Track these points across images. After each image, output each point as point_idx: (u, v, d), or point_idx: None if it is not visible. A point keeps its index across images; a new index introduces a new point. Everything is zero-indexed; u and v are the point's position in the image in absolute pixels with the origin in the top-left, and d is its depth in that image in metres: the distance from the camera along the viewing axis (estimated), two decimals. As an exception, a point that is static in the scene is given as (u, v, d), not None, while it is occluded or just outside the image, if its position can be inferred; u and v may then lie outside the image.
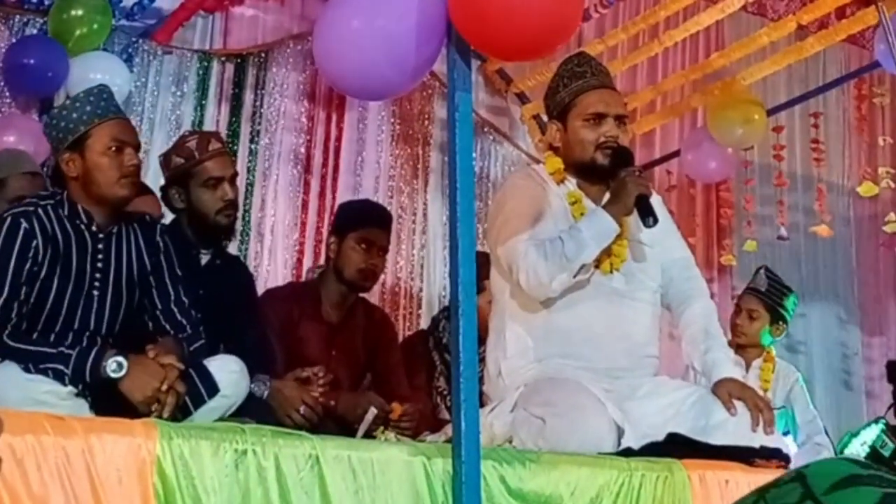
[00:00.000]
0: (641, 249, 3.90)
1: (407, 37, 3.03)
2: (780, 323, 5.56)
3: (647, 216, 3.66)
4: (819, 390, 7.96)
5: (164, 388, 3.32)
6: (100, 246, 3.63)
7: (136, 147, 3.73)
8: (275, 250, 6.66)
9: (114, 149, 3.61)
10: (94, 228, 3.62)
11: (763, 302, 5.51)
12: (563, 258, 3.59)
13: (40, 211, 3.55)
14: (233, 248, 5.46)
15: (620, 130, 3.86)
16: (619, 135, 3.84)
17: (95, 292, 3.59)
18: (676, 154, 7.37)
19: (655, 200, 3.83)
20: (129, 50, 6.36)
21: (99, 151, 3.59)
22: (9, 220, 3.49)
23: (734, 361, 4.04)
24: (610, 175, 3.80)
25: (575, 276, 3.64)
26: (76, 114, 3.62)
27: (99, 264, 3.61)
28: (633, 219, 3.79)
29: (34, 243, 3.47)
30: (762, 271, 5.65)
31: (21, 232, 3.46)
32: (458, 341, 2.82)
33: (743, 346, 5.48)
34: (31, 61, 5.75)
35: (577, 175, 3.91)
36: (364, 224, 4.85)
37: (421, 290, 6.99)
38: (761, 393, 4.47)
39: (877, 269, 8.47)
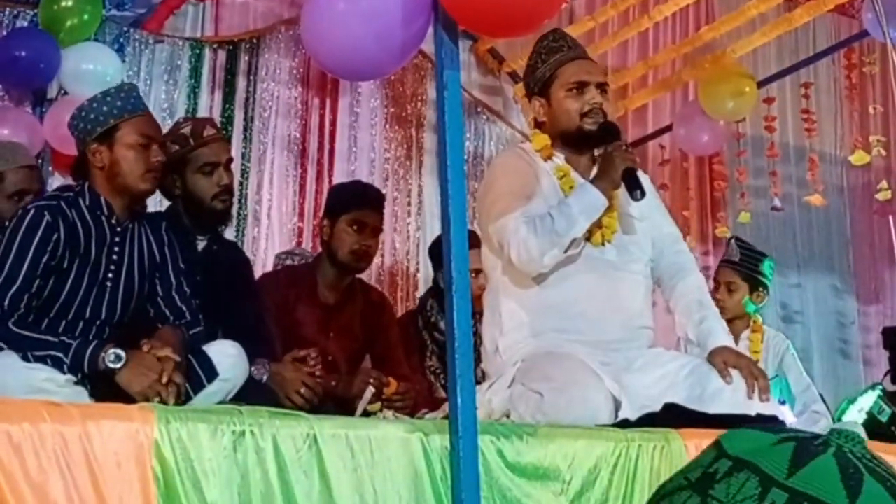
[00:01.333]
0: (632, 222, 3.92)
1: (393, 16, 3.04)
2: (760, 290, 5.54)
3: (635, 189, 3.68)
4: (816, 359, 8.01)
5: (164, 380, 3.35)
6: (117, 238, 3.70)
7: (161, 144, 3.84)
8: (272, 235, 6.68)
9: (141, 144, 3.71)
10: (113, 221, 3.70)
11: (739, 272, 5.49)
12: (553, 234, 3.61)
13: (63, 204, 3.62)
14: (230, 234, 5.50)
15: (603, 98, 3.89)
16: (602, 101, 3.88)
17: (108, 283, 3.66)
18: (669, 128, 7.39)
19: (643, 178, 3.85)
20: (121, 40, 6.37)
21: (127, 144, 3.70)
22: (32, 211, 3.54)
23: (728, 332, 4.05)
24: (598, 142, 3.84)
25: (566, 251, 3.66)
26: (107, 107, 3.72)
27: (114, 256, 3.68)
28: (623, 194, 3.81)
29: (55, 237, 3.53)
30: (733, 241, 5.64)
31: (44, 225, 3.51)
32: (452, 317, 2.84)
33: (728, 321, 5.44)
34: (23, 54, 5.75)
35: (564, 147, 3.93)
36: (355, 206, 4.86)
37: (418, 270, 7.02)
38: None
39: (871, 238, 8.48)
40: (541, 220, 3.64)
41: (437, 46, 3.03)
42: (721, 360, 3.67)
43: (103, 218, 3.68)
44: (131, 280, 3.72)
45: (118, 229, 3.71)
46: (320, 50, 3.26)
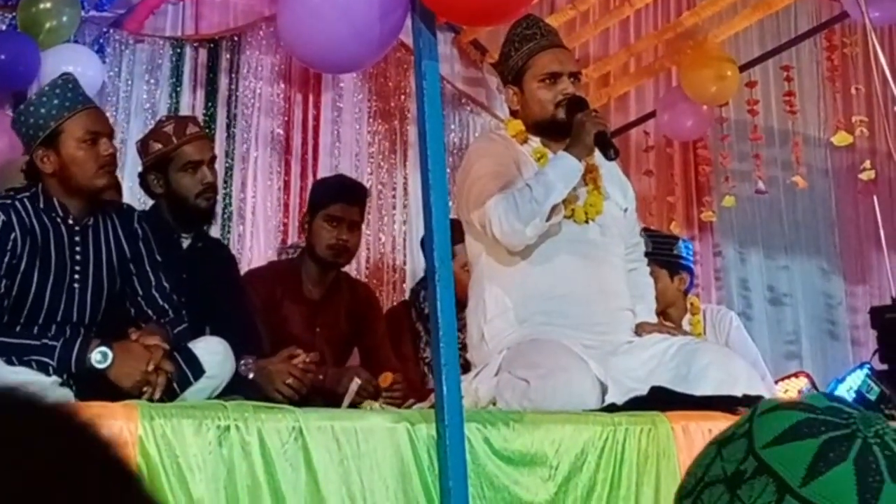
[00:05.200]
0: (617, 208, 3.98)
1: (370, 8, 3.04)
2: (681, 272, 5.50)
3: (608, 149, 3.75)
4: (805, 341, 8.00)
5: (151, 368, 3.34)
6: (77, 238, 3.63)
7: (110, 135, 3.72)
8: (257, 232, 6.65)
9: (88, 141, 3.59)
10: (70, 221, 3.62)
11: (655, 261, 5.36)
12: (532, 202, 3.63)
13: (17, 204, 3.55)
14: (216, 232, 5.48)
15: (575, 87, 3.93)
16: (575, 92, 3.92)
17: (76, 284, 3.59)
18: (652, 115, 7.38)
19: (628, 191, 4.09)
20: (101, 40, 6.34)
21: (74, 146, 3.58)
22: None
23: (652, 312, 4.22)
24: (571, 127, 3.85)
25: (548, 220, 3.68)
26: (44, 109, 3.59)
27: (77, 256, 3.61)
28: (611, 184, 3.90)
29: (13, 235, 3.46)
30: (643, 234, 5.57)
31: (0, 225, 3.46)
32: (435, 307, 2.85)
33: (663, 312, 5.33)
34: (2, 57, 5.72)
35: (539, 135, 3.96)
36: (331, 201, 4.86)
37: (404, 263, 7.00)
38: None
39: (856, 219, 8.46)
40: (519, 192, 3.67)
41: (414, 36, 3.04)
42: (640, 330, 3.90)
43: (59, 220, 3.60)
44: (100, 279, 3.65)
45: (76, 228, 3.63)
46: (299, 45, 3.27)
